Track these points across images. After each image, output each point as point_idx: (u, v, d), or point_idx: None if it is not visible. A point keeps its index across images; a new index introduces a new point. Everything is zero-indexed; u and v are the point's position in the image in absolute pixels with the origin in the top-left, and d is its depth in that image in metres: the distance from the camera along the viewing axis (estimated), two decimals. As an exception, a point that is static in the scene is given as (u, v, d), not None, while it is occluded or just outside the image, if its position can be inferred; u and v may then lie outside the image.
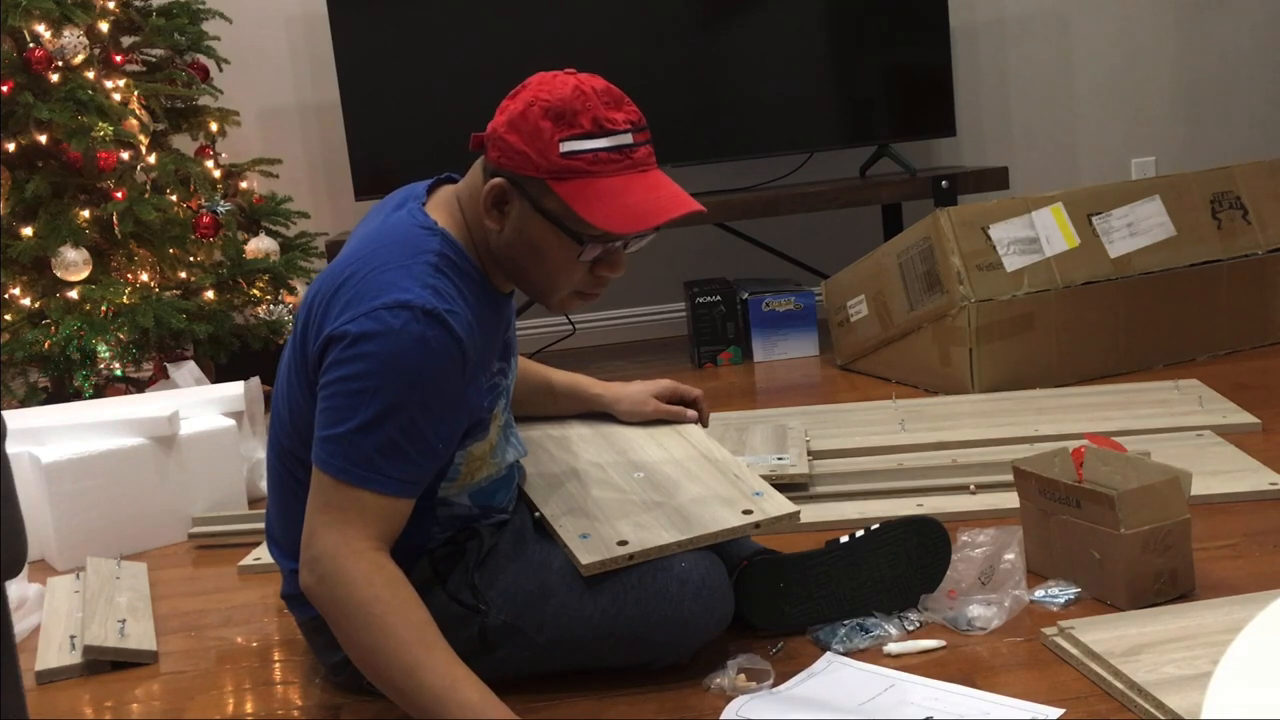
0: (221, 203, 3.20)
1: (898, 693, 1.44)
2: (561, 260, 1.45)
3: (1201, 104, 4.13)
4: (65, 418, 2.39)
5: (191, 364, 3.06)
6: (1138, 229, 2.90)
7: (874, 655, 1.55)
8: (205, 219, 3.14)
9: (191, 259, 3.20)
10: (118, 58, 3.21)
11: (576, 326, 3.93)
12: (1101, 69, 4.09)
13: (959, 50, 3.92)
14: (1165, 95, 4.12)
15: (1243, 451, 2.19)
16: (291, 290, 3.37)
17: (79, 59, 3.05)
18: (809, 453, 2.32)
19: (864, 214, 3.85)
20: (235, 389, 2.58)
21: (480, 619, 1.50)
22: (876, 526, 1.65)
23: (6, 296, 2.99)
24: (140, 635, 1.83)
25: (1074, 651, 1.47)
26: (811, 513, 2.09)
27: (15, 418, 2.42)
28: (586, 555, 1.50)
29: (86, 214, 3.03)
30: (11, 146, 3.04)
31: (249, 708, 1.62)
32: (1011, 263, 2.80)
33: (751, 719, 1.42)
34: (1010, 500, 1.88)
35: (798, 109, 3.67)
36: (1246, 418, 2.40)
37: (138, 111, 3.13)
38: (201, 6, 3.41)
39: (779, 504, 1.59)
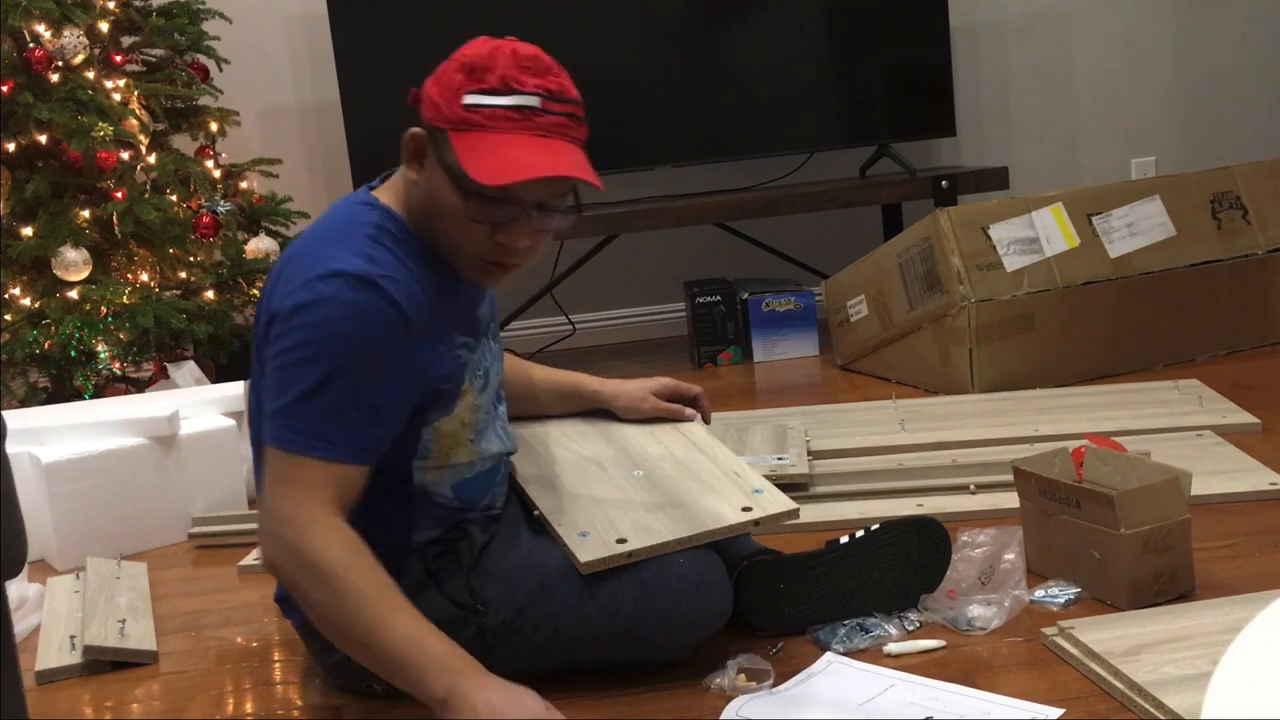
0: (221, 203, 3.20)
1: (898, 693, 1.44)
2: (454, 217, 1.44)
3: (1201, 104, 4.13)
4: (65, 418, 2.39)
5: (191, 364, 3.06)
6: (1138, 229, 2.90)
7: (874, 655, 1.55)
8: (205, 219, 3.14)
9: (191, 259, 3.20)
10: (118, 58, 3.20)
11: (576, 326, 3.93)
12: (1101, 69, 4.09)
13: (959, 50, 3.92)
14: (1165, 95, 4.12)
15: (1243, 451, 2.19)
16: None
17: (79, 59, 3.04)
18: (809, 453, 2.32)
19: (864, 214, 3.85)
20: (235, 389, 2.58)
21: (478, 619, 1.50)
22: (876, 527, 1.65)
23: (6, 296, 2.99)
24: (140, 635, 1.83)
25: (1074, 651, 1.47)
26: (811, 513, 2.09)
27: (15, 418, 2.42)
28: (586, 553, 1.50)
29: (86, 214, 3.03)
30: (11, 146, 3.04)
31: (249, 708, 1.62)
32: (1011, 263, 2.80)
33: (751, 719, 1.42)
34: (1010, 500, 1.88)
35: (798, 109, 3.67)
36: (1246, 418, 2.40)
37: (138, 111, 3.13)
38: (201, 6, 3.40)
39: (779, 501, 1.59)
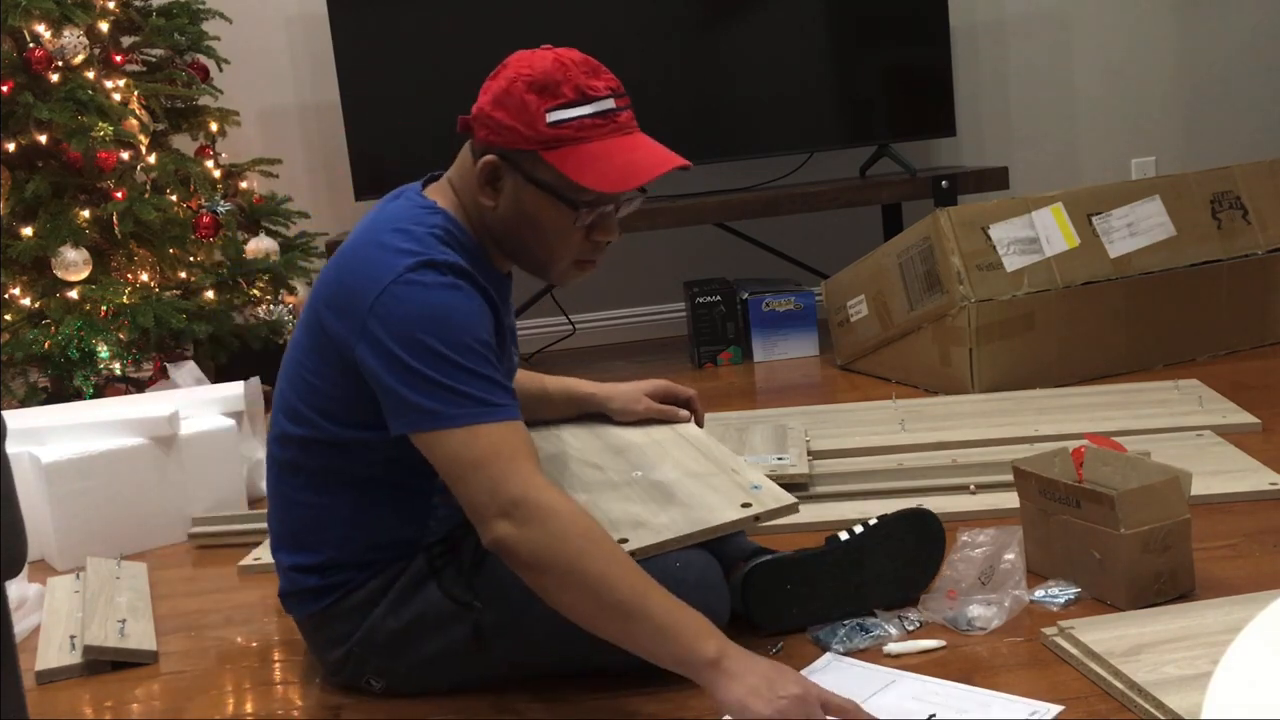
0: (221, 203, 3.20)
1: (899, 689, 1.44)
2: (559, 229, 1.47)
3: (1201, 104, 4.13)
4: (65, 418, 2.39)
5: (191, 364, 3.06)
6: (1138, 229, 2.90)
7: (874, 655, 1.54)
8: (205, 219, 3.14)
9: (191, 259, 3.20)
10: (118, 58, 3.21)
11: (576, 326, 3.93)
12: (1102, 69, 4.09)
13: (959, 50, 3.92)
14: (1165, 95, 4.12)
15: (1243, 451, 2.19)
16: (292, 290, 3.37)
17: (79, 59, 3.04)
18: (809, 453, 2.32)
19: (864, 214, 3.85)
20: (235, 389, 2.58)
21: (474, 616, 1.51)
22: (874, 522, 1.66)
23: (6, 296, 2.99)
24: (140, 635, 1.83)
25: (1074, 651, 1.47)
26: (811, 512, 2.09)
27: (15, 418, 2.42)
28: None
29: (86, 214, 3.03)
30: (11, 146, 3.04)
31: (249, 708, 1.62)
32: (1011, 263, 2.80)
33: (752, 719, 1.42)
34: (1010, 500, 1.88)
35: (798, 109, 3.67)
36: (1246, 418, 2.40)
37: (138, 111, 3.13)
38: (201, 6, 3.41)
39: (777, 496, 1.59)
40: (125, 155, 3.07)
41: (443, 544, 1.55)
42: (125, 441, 2.32)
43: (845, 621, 1.60)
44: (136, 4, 3.31)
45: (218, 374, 3.19)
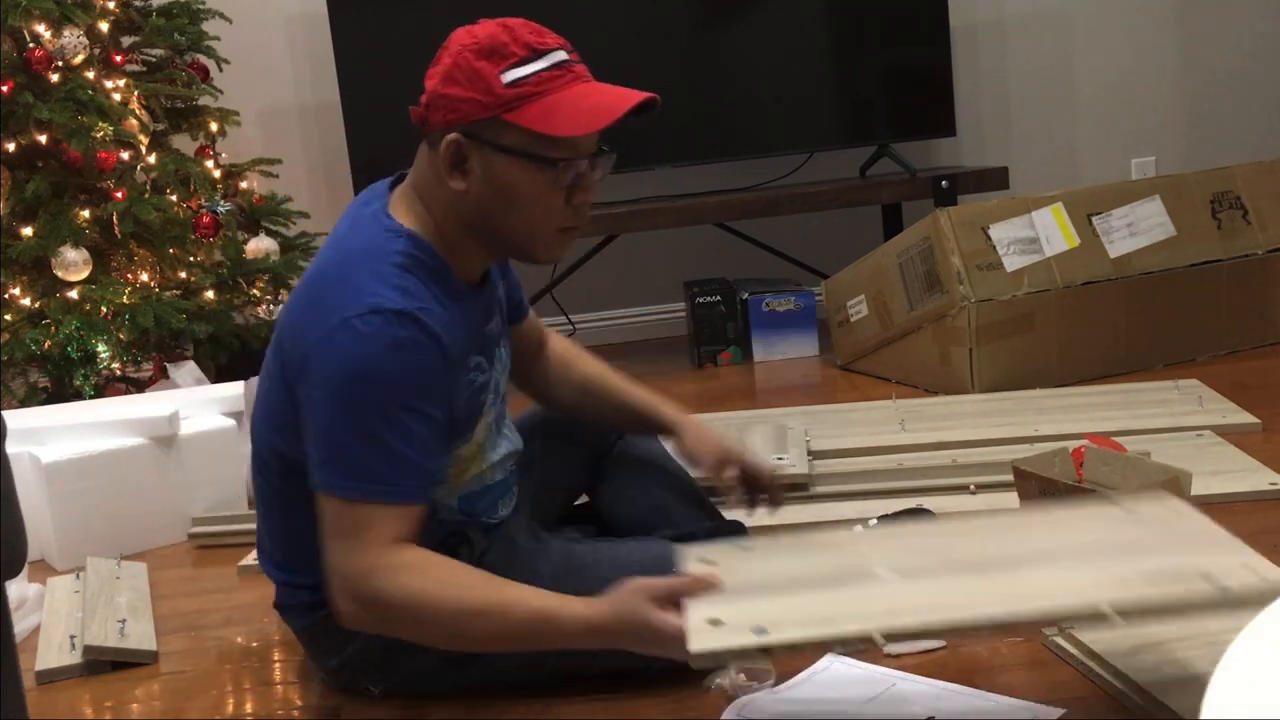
0: (221, 203, 3.20)
1: (898, 692, 1.44)
2: (537, 194, 1.42)
3: (1201, 104, 4.13)
4: (65, 418, 2.39)
5: (191, 364, 3.06)
6: (1138, 229, 2.90)
7: (874, 655, 1.54)
8: (205, 219, 3.14)
9: (191, 259, 3.20)
10: (118, 58, 3.20)
11: (576, 326, 3.93)
12: (1101, 69, 4.09)
13: (959, 50, 3.92)
14: (1165, 95, 4.12)
15: (1243, 451, 2.19)
16: (291, 290, 3.37)
17: (79, 59, 3.04)
18: (809, 453, 2.32)
19: (864, 214, 3.85)
20: (235, 389, 2.58)
21: None
22: (875, 522, 1.66)
23: (6, 296, 2.99)
24: (140, 635, 1.83)
25: (1074, 651, 1.47)
26: (811, 513, 2.09)
27: (15, 418, 2.41)
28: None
29: (86, 214, 3.03)
30: (11, 146, 3.04)
31: (249, 708, 1.62)
32: (1011, 263, 2.80)
33: (752, 719, 1.42)
34: (1010, 500, 1.88)
35: (798, 109, 3.67)
36: (1246, 418, 2.40)
37: (138, 111, 3.13)
38: (201, 6, 3.40)
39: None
40: (125, 155, 3.06)
41: (439, 549, 1.55)
42: (125, 441, 2.32)
43: (845, 621, 1.60)
44: (136, 4, 3.30)
45: (218, 374, 3.18)
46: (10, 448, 1.18)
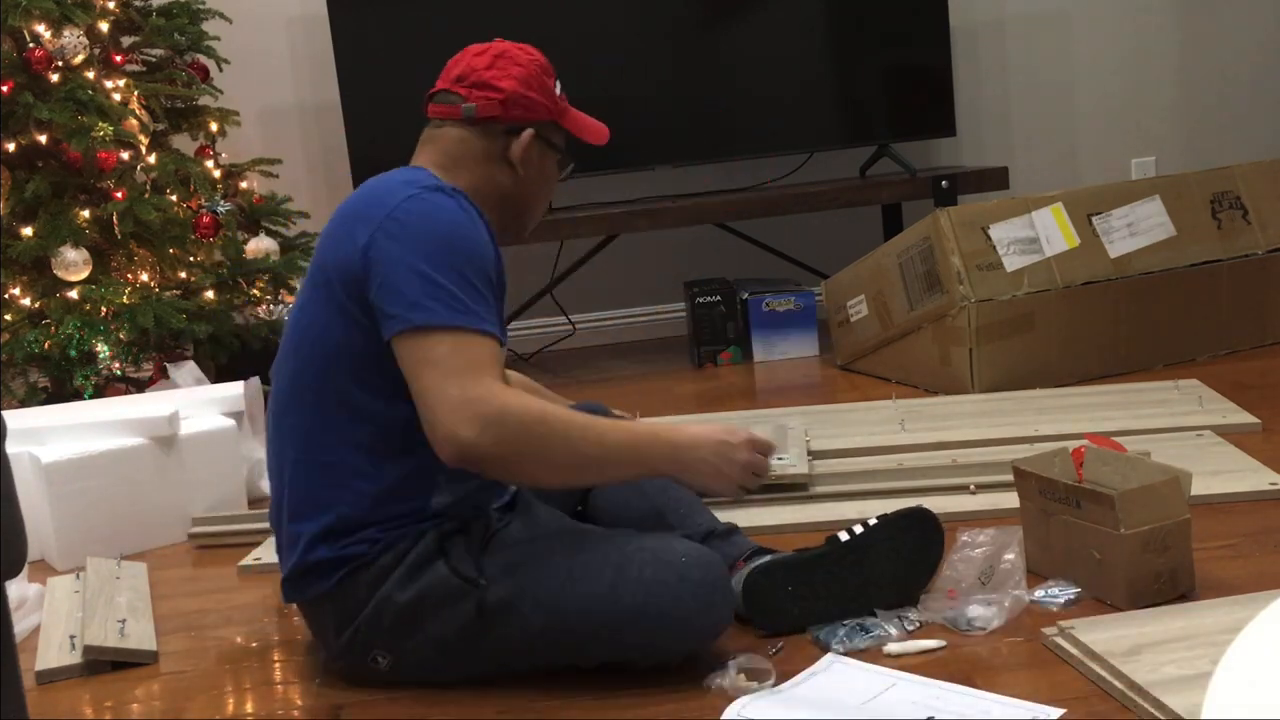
0: (221, 203, 3.19)
1: (899, 692, 1.44)
2: (552, 183, 1.76)
3: (1202, 104, 4.13)
4: (65, 418, 2.39)
5: (191, 364, 3.06)
6: (1138, 229, 2.90)
7: (874, 655, 1.54)
8: (205, 219, 3.14)
9: (191, 259, 3.20)
10: (118, 58, 3.20)
11: (576, 326, 3.93)
12: (1102, 69, 4.09)
13: (959, 50, 3.92)
14: (1165, 95, 4.12)
15: (1243, 451, 2.19)
16: (291, 290, 3.36)
17: (79, 59, 3.04)
18: (809, 453, 2.32)
19: (864, 214, 3.85)
20: (235, 389, 2.58)
21: (479, 593, 1.52)
22: (875, 522, 1.66)
23: (6, 296, 2.99)
24: (140, 635, 1.83)
25: (1074, 651, 1.47)
26: (811, 512, 2.09)
27: (15, 418, 2.42)
28: None
29: (86, 214, 3.03)
30: (11, 146, 3.04)
31: (249, 708, 1.62)
32: (1011, 263, 2.80)
33: (753, 719, 1.42)
34: (1010, 500, 1.88)
35: (798, 109, 3.67)
36: (1246, 418, 2.40)
37: (138, 111, 3.13)
38: (201, 6, 3.40)
39: None
40: (125, 155, 3.06)
41: (452, 522, 1.57)
42: (125, 441, 2.32)
43: (845, 621, 1.60)
44: (136, 4, 3.30)
45: (218, 374, 3.18)
46: (10, 448, 1.19)
